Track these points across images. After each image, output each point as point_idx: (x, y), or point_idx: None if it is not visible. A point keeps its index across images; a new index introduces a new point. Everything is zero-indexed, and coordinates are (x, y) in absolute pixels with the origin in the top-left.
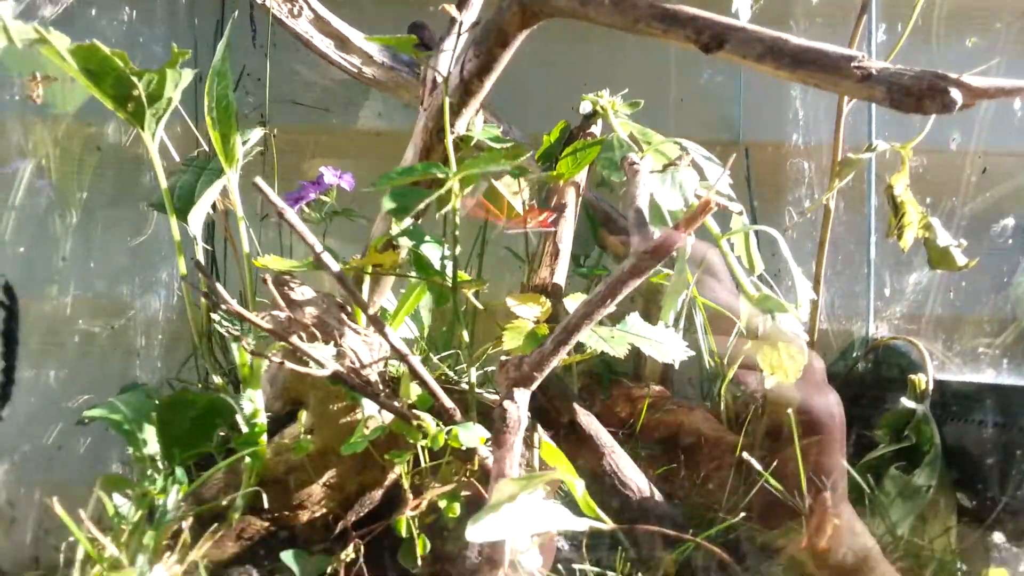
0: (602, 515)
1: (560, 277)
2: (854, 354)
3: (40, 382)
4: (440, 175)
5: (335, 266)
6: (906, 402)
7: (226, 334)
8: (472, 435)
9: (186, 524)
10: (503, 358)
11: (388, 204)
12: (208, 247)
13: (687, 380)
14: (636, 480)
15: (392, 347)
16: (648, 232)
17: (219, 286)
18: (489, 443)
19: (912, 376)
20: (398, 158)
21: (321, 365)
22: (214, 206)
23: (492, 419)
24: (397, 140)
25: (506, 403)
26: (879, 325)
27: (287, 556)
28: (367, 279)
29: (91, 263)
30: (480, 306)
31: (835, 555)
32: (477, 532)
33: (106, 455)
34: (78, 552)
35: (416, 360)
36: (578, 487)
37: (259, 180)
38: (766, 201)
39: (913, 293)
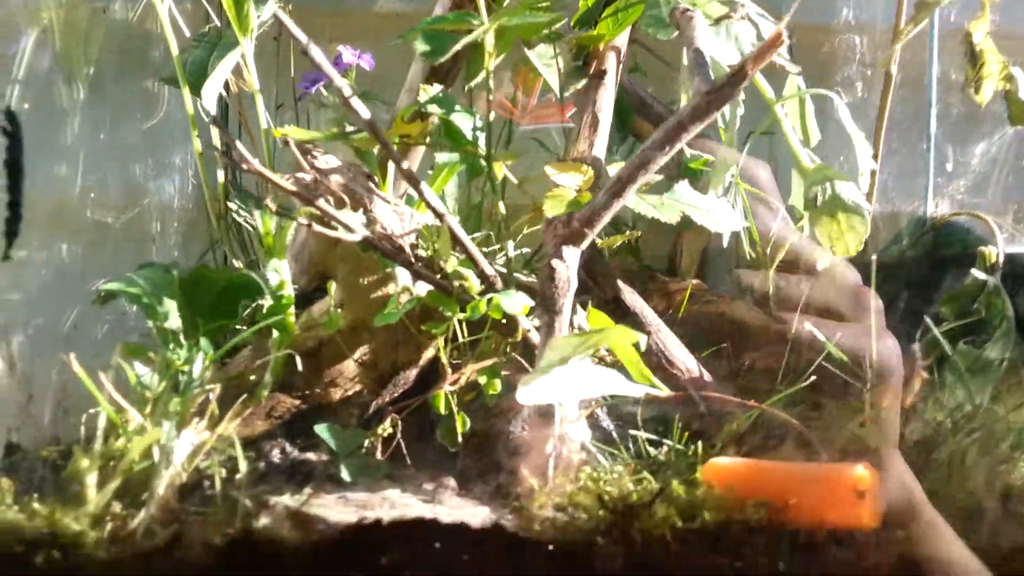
0: (658, 382)
1: (600, 150)
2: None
3: (52, 264)
4: (474, 24)
5: (365, 112)
6: (976, 274)
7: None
8: (515, 302)
9: (213, 396)
10: (550, 215)
11: (421, 47)
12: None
13: (725, 273)
14: (684, 359)
15: (430, 206)
16: (709, 73)
17: (240, 144)
18: (532, 314)
19: (982, 248)
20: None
21: (351, 230)
22: (227, 88)
23: (534, 291)
24: (416, 22)
25: (554, 262)
26: (939, 203)
27: (321, 429)
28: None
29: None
30: (514, 179)
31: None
32: (528, 394)
33: (123, 338)
34: (100, 422)
35: (454, 221)
36: (633, 352)
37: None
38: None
39: (980, 164)
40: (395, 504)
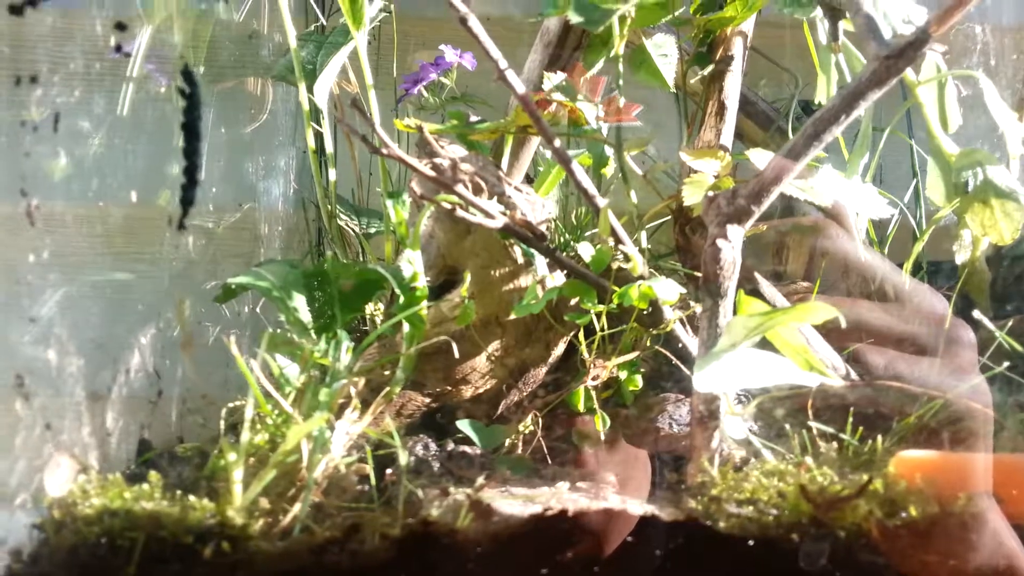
0: (830, 372)
1: (727, 139)
2: None
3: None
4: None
5: (520, 86)
6: None
7: (346, 226)
8: (668, 288)
9: (355, 389)
10: (710, 193)
11: (575, 17)
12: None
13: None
14: (828, 356)
15: (580, 188)
16: (882, 36)
17: (379, 128)
18: (676, 305)
19: None
20: (510, 43)
21: (491, 216)
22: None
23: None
24: (507, 25)
25: (719, 241)
26: None
27: (464, 424)
28: (506, 153)
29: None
30: (639, 170)
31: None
32: (704, 380)
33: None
34: (246, 414)
35: (604, 202)
36: (799, 340)
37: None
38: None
39: None
40: (566, 498)
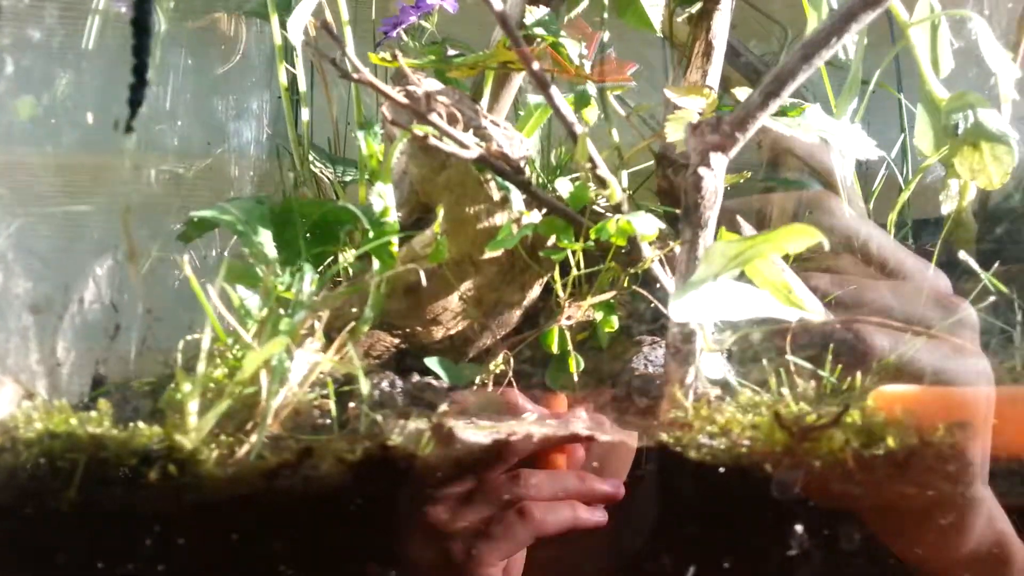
0: (811, 306)
1: (713, 79)
2: None
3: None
4: None
5: (498, 3)
6: None
7: (320, 174)
8: (647, 222)
9: (320, 323)
10: (695, 120)
11: None
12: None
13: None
14: (811, 301)
15: (559, 113)
16: None
17: (351, 52)
18: (655, 243)
19: None
20: None
21: (465, 146)
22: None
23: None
24: None
25: (700, 169)
26: None
27: (432, 362)
28: (486, 93)
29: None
30: (621, 111)
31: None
32: (680, 309)
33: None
34: (203, 344)
35: (583, 129)
36: (779, 274)
37: None
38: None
39: None
40: (532, 427)
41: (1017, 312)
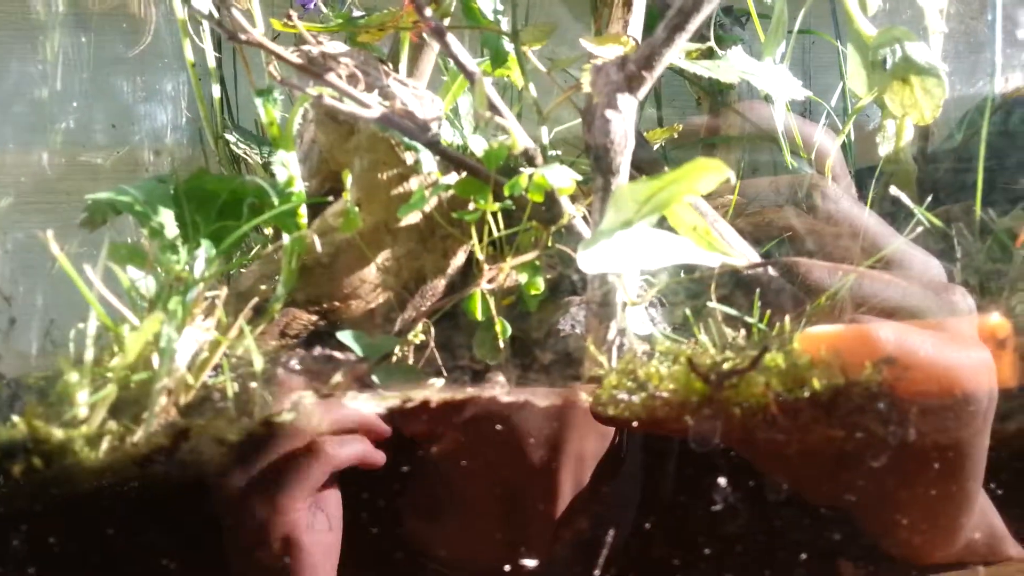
0: (734, 251)
1: (635, 30)
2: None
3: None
4: None
5: None
6: None
7: (243, 154)
8: (561, 174)
9: (219, 301)
10: (597, 63)
11: None
12: (217, 55)
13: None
14: (744, 250)
15: (457, 62)
16: None
17: (238, 15)
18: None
19: None
20: None
21: (366, 105)
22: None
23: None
24: None
25: (608, 112)
26: (1008, 78)
27: (344, 335)
28: (404, 50)
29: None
30: (542, 67)
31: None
32: (589, 259)
33: None
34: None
35: (488, 80)
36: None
37: None
38: None
39: None
40: (439, 392)
41: (956, 249)
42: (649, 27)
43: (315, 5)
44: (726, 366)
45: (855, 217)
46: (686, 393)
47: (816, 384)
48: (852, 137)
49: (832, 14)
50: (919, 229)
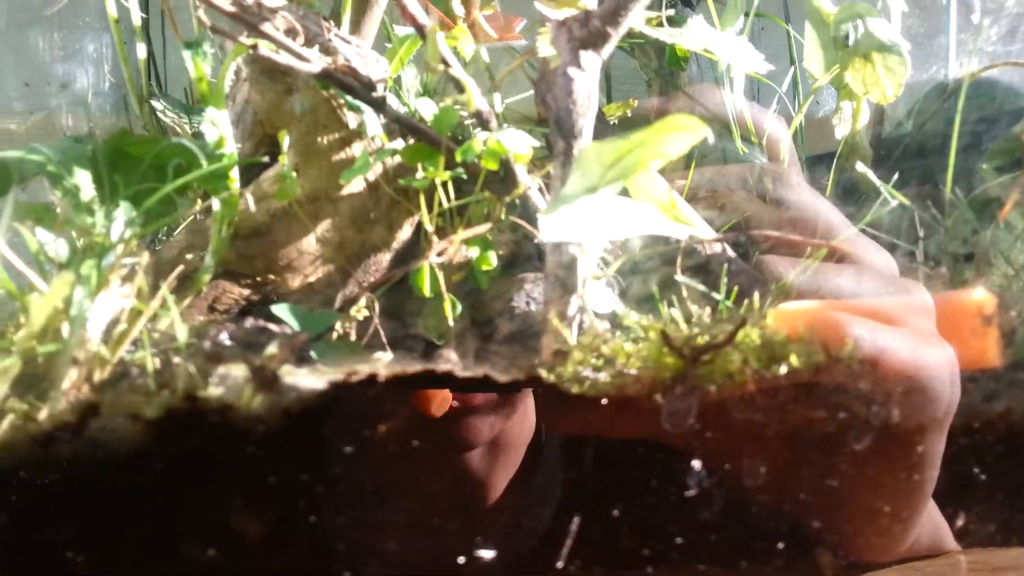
0: (701, 222)
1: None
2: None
3: None
4: None
5: None
6: None
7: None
8: (517, 139)
9: (140, 267)
10: (560, 16)
11: None
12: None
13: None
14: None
15: (407, 13)
16: None
17: None
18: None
19: None
20: None
21: (305, 59)
22: None
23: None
24: None
25: (570, 70)
26: (963, 63)
27: (280, 309)
28: (347, 12)
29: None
30: (493, 33)
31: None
32: (551, 226)
33: None
34: None
35: (440, 36)
36: (664, 189)
37: None
38: None
39: (1017, 5)
40: (389, 366)
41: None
42: None
43: None
44: (699, 341)
45: (809, 204)
46: (657, 369)
47: (795, 360)
48: (803, 124)
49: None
50: (887, 207)
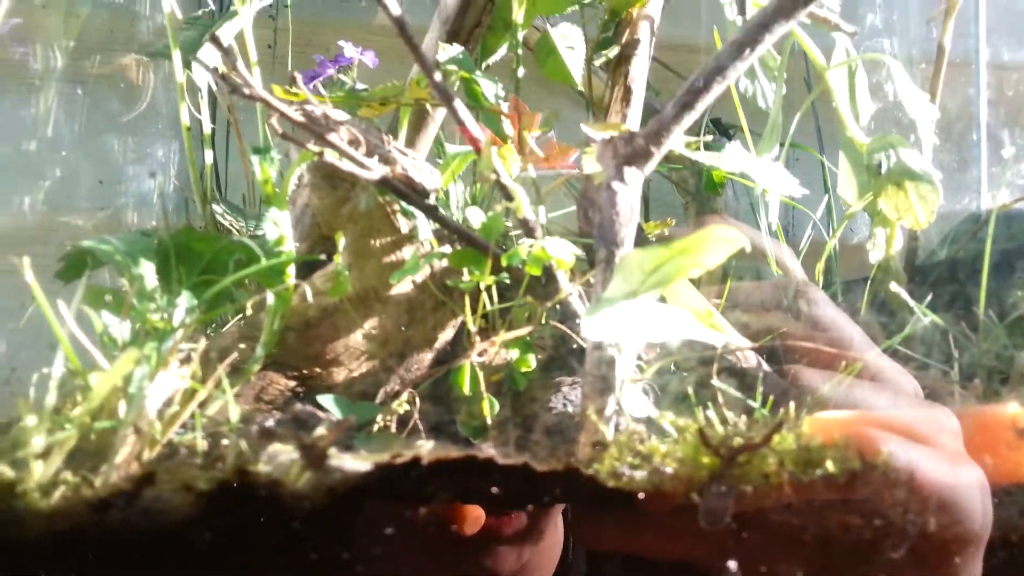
0: (735, 333)
1: (634, 124)
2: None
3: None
4: None
5: (395, 7)
6: None
7: (229, 226)
8: (562, 247)
9: (196, 353)
10: (606, 136)
11: None
12: (212, 125)
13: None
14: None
15: (461, 123)
16: None
17: (243, 69)
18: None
19: None
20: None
21: (366, 167)
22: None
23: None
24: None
25: (614, 184)
26: (995, 195)
27: (325, 399)
28: (403, 128)
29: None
30: (541, 153)
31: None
32: (593, 325)
33: None
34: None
35: (494, 150)
36: (701, 299)
37: None
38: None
39: None
40: (431, 451)
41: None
42: (644, 123)
43: (315, 86)
44: (736, 442)
45: (836, 319)
46: (693, 468)
47: (831, 466)
48: (836, 249)
49: (816, 131)
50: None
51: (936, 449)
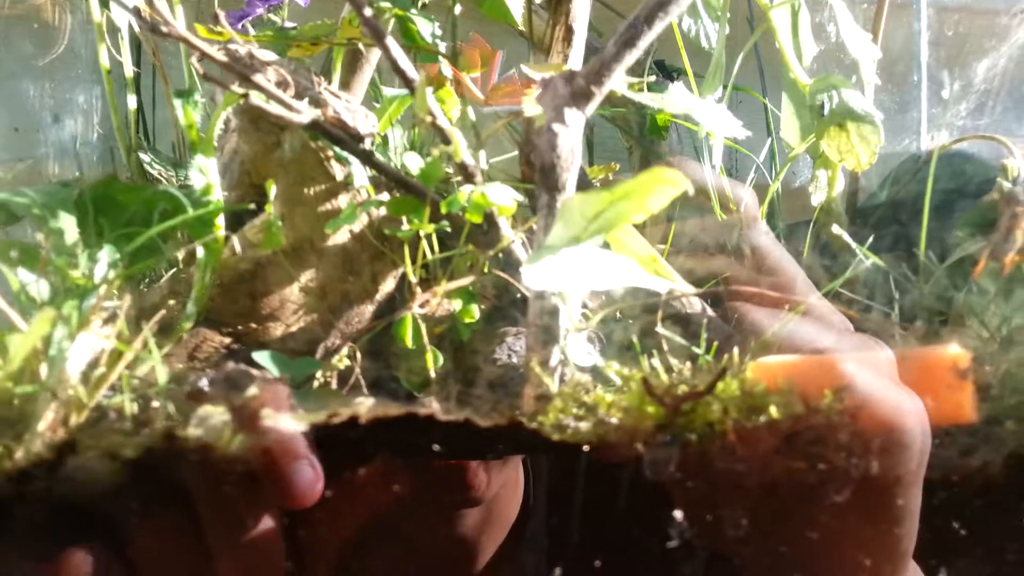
0: (680, 279)
1: (576, 65)
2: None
3: None
4: None
5: None
6: (1002, 183)
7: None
8: (503, 192)
9: (121, 310)
10: (545, 76)
11: None
12: (136, 69)
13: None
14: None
15: (396, 66)
16: None
17: (164, 7)
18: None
19: (1004, 160)
20: None
21: (295, 110)
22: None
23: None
24: None
25: (555, 125)
26: (934, 136)
27: (261, 356)
28: (336, 71)
29: None
30: (480, 94)
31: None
32: (534, 274)
33: None
34: None
35: (428, 90)
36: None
37: None
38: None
39: (984, 82)
40: (371, 409)
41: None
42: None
43: (243, 26)
44: (680, 389)
45: (775, 251)
46: (639, 418)
47: (775, 411)
48: (779, 192)
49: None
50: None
51: (884, 379)
